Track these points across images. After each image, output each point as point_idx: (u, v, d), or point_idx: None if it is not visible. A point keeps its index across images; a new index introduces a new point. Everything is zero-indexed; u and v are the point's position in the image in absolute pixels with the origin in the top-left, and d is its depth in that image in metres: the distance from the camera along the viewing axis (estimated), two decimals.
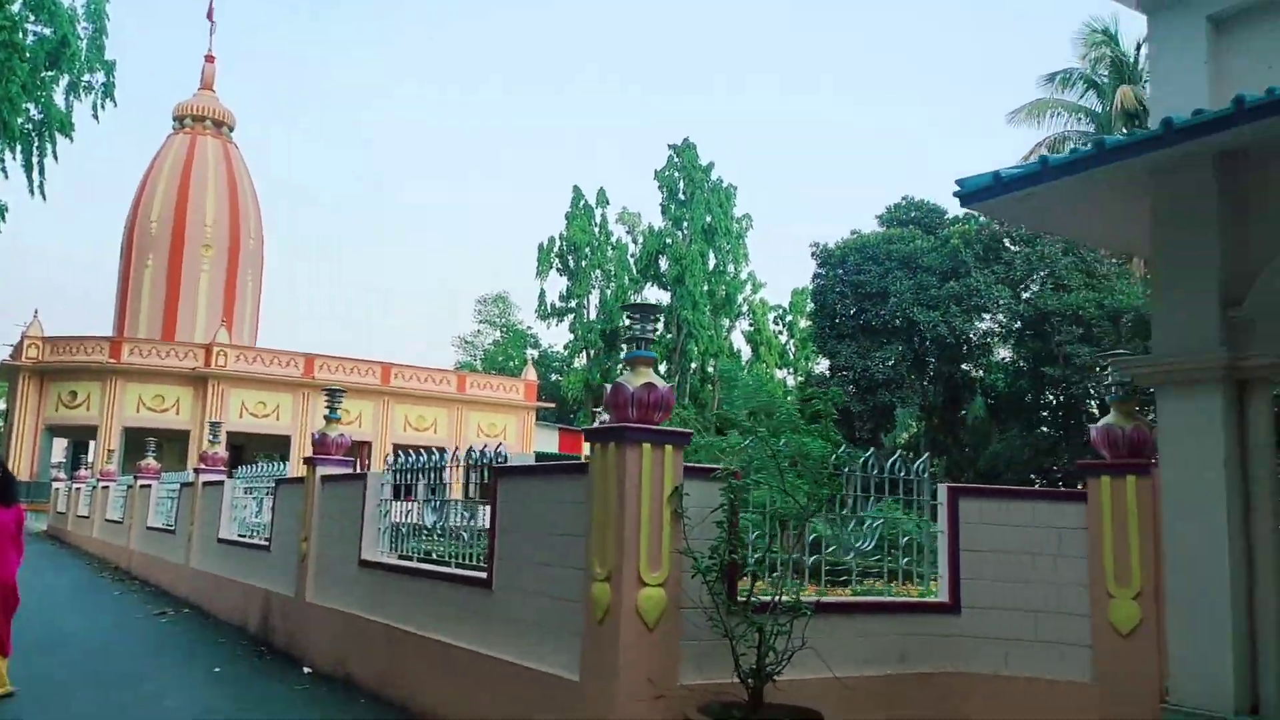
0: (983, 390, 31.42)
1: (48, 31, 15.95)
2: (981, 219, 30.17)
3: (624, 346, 41.33)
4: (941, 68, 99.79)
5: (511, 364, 58.99)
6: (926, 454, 8.13)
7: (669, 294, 50.07)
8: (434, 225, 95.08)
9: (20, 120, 15.79)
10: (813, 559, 6.48)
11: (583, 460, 6.15)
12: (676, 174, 51.28)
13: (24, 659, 8.50)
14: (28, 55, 15.34)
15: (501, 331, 68.15)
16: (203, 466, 15.41)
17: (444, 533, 8.10)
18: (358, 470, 10.71)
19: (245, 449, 36.49)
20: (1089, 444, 6.73)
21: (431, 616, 7.64)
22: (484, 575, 6.99)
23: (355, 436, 11.57)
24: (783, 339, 54.97)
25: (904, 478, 6.83)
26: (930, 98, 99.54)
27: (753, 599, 5.62)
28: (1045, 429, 29.61)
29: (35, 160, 16.67)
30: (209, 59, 47.02)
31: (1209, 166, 5.33)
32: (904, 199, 33.93)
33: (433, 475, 8.28)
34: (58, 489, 34.19)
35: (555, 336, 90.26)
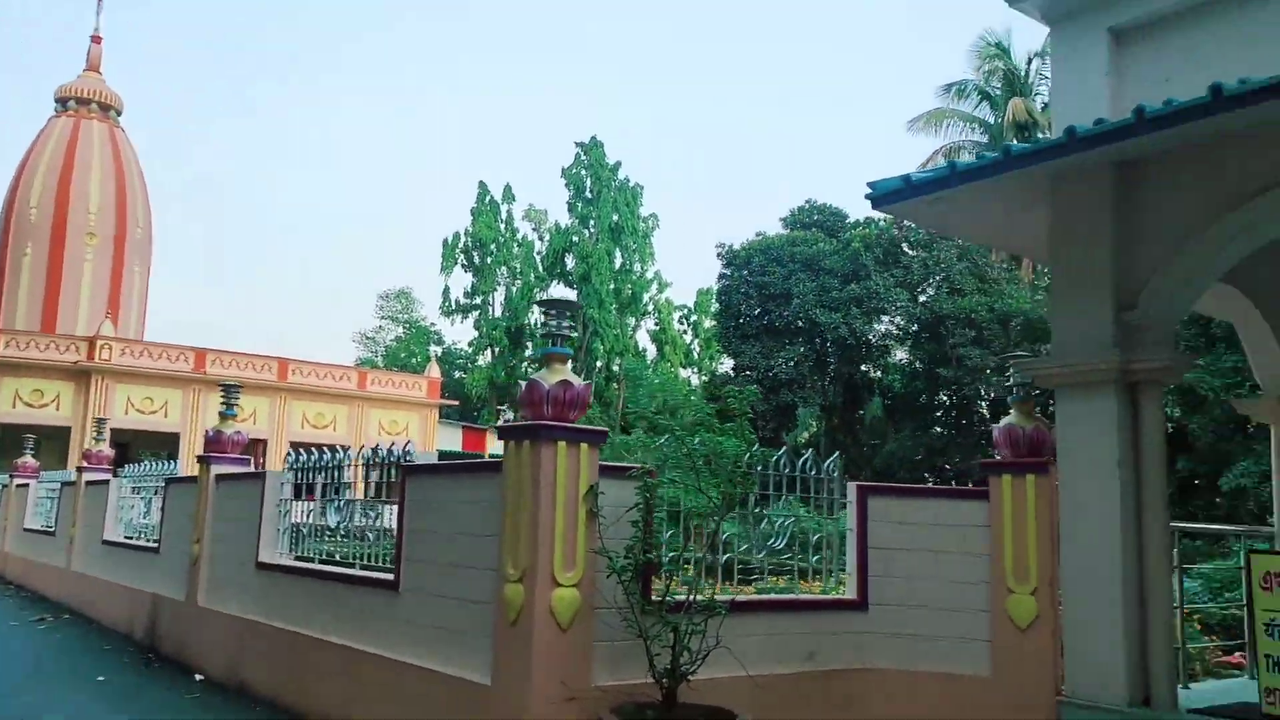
0: (880, 390, 32.26)
1: None
2: (882, 223, 30.98)
3: (537, 342, 41.07)
4: (850, 75, 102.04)
5: (414, 361, 57.87)
6: (837, 453, 8.27)
7: (575, 292, 49.80)
8: (335, 218, 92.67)
9: None
10: (725, 557, 6.50)
11: (494, 458, 6.04)
12: (584, 172, 51.14)
13: None
14: None
15: (404, 328, 66.89)
16: (86, 465, 14.76)
17: (348, 533, 7.88)
18: (255, 469, 10.37)
19: (131, 447, 34.82)
20: (980, 443, 6.94)
21: (334, 620, 7.40)
22: (391, 577, 6.82)
23: (251, 434, 11.17)
24: (688, 339, 55.38)
25: (815, 476, 6.91)
26: (838, 103, 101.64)
27: (668, 599, 5.60)
28: (939, 429, 30.55)
29: None
30: (95, 39, 44.70)
31: (1107, 176, 5.53)
32: (807, 202, 34.58)
33: (336, 474, 8.06)
34: None
35: (459, 334, 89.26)
